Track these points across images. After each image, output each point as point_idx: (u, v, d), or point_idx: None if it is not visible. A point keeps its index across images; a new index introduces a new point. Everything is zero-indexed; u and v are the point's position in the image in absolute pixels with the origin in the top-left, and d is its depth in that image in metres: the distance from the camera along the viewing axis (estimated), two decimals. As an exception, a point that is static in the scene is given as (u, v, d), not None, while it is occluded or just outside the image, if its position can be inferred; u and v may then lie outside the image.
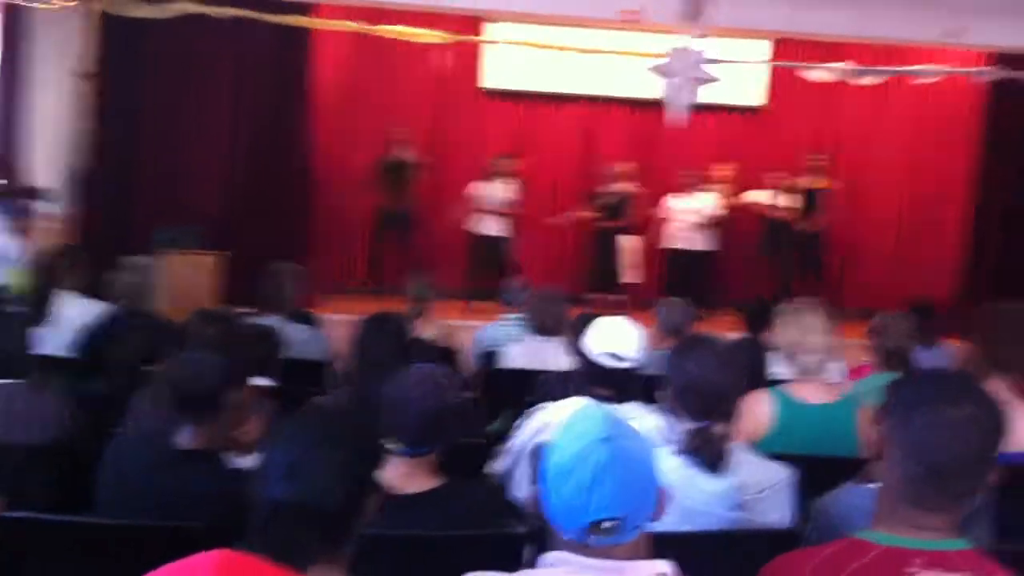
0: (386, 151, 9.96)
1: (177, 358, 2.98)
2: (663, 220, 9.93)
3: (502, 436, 3.54)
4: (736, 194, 10.34)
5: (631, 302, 9.95)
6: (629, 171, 10.16)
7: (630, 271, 10.09)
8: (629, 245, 10.06)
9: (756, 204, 10.21)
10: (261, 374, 3.82)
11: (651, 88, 7.49)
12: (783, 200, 10.17)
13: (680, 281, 9.58)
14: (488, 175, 9.87)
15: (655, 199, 10.32)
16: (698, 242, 9.89)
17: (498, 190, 9.79)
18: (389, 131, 10.04)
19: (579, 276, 10.69)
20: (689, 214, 9.84)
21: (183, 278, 7.79)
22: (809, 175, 10.19)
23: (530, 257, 10.69)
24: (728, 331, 6.40)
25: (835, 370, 4.25)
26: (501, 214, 9.82)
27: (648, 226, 10.19)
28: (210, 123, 9.22)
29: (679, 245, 9.86)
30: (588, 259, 10.28)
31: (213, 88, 9.19)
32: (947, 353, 5.50)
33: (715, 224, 10.03)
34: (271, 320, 4.87)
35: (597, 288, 9.95)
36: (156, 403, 3.34)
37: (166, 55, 9.02)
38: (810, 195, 10.19)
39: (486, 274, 9.57)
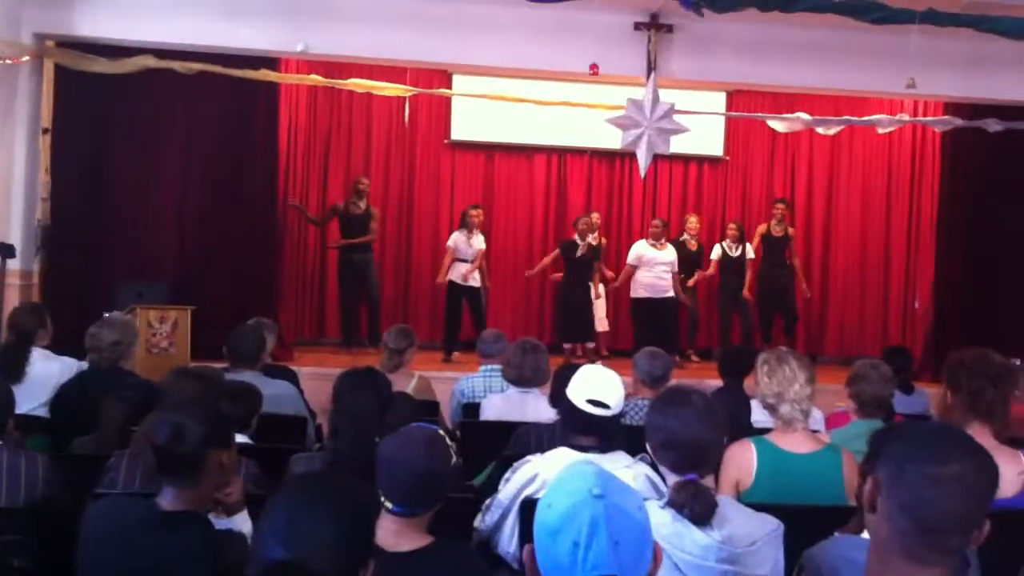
0: (346, 200, 10.00)
1: (158, 418, 2.94)
2: (635, 269, 10.00)
3: (486, 490, 3.53)
4: (703, 242, 10.47)
5: (601, 351, 10.04)
6: (599, 221, 10.26)
7: (601, 320, 10.17)
8: (602, 295, 10.14)
9: (724, 255, 10.34)
10: (241, 432, 3.79)
11: (616, 139, 7.59)
12: (747, 249, 10.32)
13: (651, 329, 9.65)
14: (462, 226, 9.94)
15: (625, 248, 10.46)
16: (670, 290, 9.97)
17: (474, 241, 9.87)
18: (353, 180, 10.10)
19: (553, 325, 10.79)
20: (661, 263, 9.93)
21: (153, 334, 7.74)
22: (776, 223, 10.35)
23: (504, 307, 10.77)
24: (703, 378, 6.45)
25: (815, 418, 4.29)
26: (477, 265, 9.89)
27: (620, 275, 10.28)
28: (172, 176, 9.18)
29: (651, 294, 9.91)
30: (561, 309, 10.32)
31: (175, 141, 9.15)
32: (925, 398, 5.58)
33: (685, 272, 10.14)
34: (246, 376, 4.82)
35: (570, 337, 9.99)
36: (138, 464, 3.29)
37: (126, 109, 9.00)
38: (778, 242, 10.34)
39: (461, 324, 9.67)
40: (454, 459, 2.81)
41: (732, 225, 10.52)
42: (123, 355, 4.87)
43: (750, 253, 10.36)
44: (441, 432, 2.83)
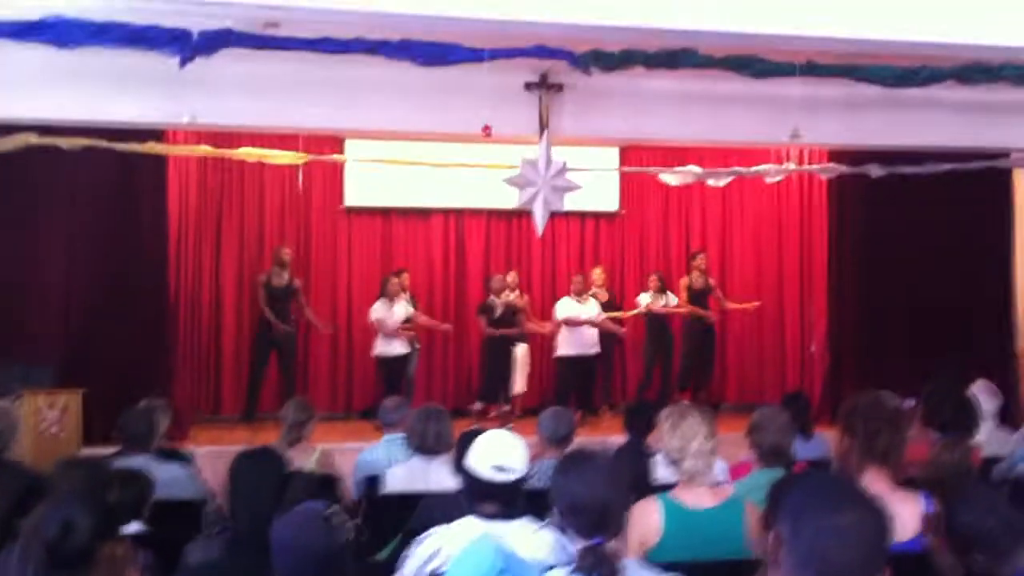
0: (269, 273, 9.86)
1: (44, 511, 2.80)
2: (559, 326, 10.04)
3: (391, 565, 3.44)
4: (612, 297, 10.59)
5: (515, 412, 10.04)
6: (516, 280, 10.29)
7: (520, 382, 10.18)
8: (521, 354, 10.16)
9: (648, 307, 10.47)
10: (133, 520, 3.64)
11: (513, 198, 7.63)
12: (670, 298, 10.48)
13: (572, 387, 9.76)
14: (381, 295, 9.95)
15: (533, 306, 10.54)
16: (596, 346, 10.01)
17: (396, 309, 9.87)
18: (274, 252, 10.00)
19: (470, 387, 10.79)
20: (582, 320, 9.99)
21: (42, 419, 7.43)
22: (698, 275, 10.58)
23: (420, 370, 10.71)
24: (615, 434, 6.44)
25: (717, 469, 4.30)
26: (403, 332, 9.92)
27: (539, 334, 10.31)
28: (56, 254, 8.85)
29: (578, 351, 9.96)
30: (481, 370, 10.31)
31: (58, 218, 8.85)
32: (825, 443, 5.65)
33: (604, 327, 10.21)
34: (138, 460, 4.65)
35: (489, 399, 9.99)
36: (24, 561, 3.12)
37: (6, 186, 8.73)
38: (700, 294, 10.57)
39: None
40: (350, 535, 2.73)
41: (653, 276, 10.70)
42: (6, 445, 4.65)
43: (673, 300, 10.52)
44: (333, 508, 2.76)
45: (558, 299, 10.59)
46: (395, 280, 10.00)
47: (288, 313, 9.93)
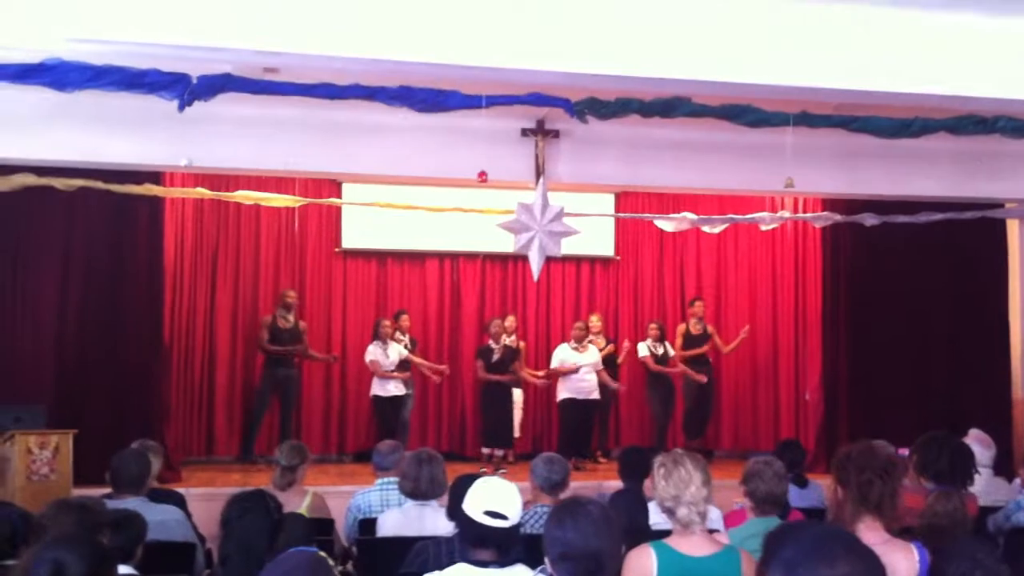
0: (273, 315, 9.89)
1: (36, 555, 2.78)
2: (551, 375, 10.08)
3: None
4: (611, 349, 10.61)
5: (509, 457, 10.02)
6: (514, 324, 10.30)
7: (516, 424, 10.18)
8: (517, 399, 10.17)
9: (645, 362, 10.52)
10: (125, 563, 3.61)
11: (508, 243, 7.66)
12: (668, 348, 10.55)
13: (573, 431, 9.77)
14: (375, 338, 9.99)
15: (527, 351, 10.55)
16: (595, 392, 10.03)
17: (390, 351, 9.90)
18: (280, 296, 10.05)
19: (464, 431, 10.83)
20: (584, 365, 10.01)
21: (33, 460, 7.38)
22: (696, 321, 10.66)
23: (414, 413, 10.69)
24: (610, 480, 6.41)
25: (713, 517, 4.28)
26: (396, 374, 9.95)
27: (534, 381, 10.34)
28: (49, 294, 8.87)
29: (576, 395, 9.96)
30: (481, 415, 10.31)
31: (52, 258, 8.88)
32: (819, 491, 5.64)
33: (601, 380, 10.21)
34: (130, 502, 4.62)
35: (492, 443, 9.98)
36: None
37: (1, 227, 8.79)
38: (697, 340, 10.61)
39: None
40: None
41: (653, 325, 10.73)
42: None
43: (671, 351, 10.56)
44: (322, 554, 2.75)
45: (552, 344, 10.62)
46: (386, 323, 10.03)
47: (292, 355, 9.93)
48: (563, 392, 10.04)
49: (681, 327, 10.78)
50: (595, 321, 10.54)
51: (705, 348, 10.66)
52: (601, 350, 10.27)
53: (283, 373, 9.87)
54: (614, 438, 11.11)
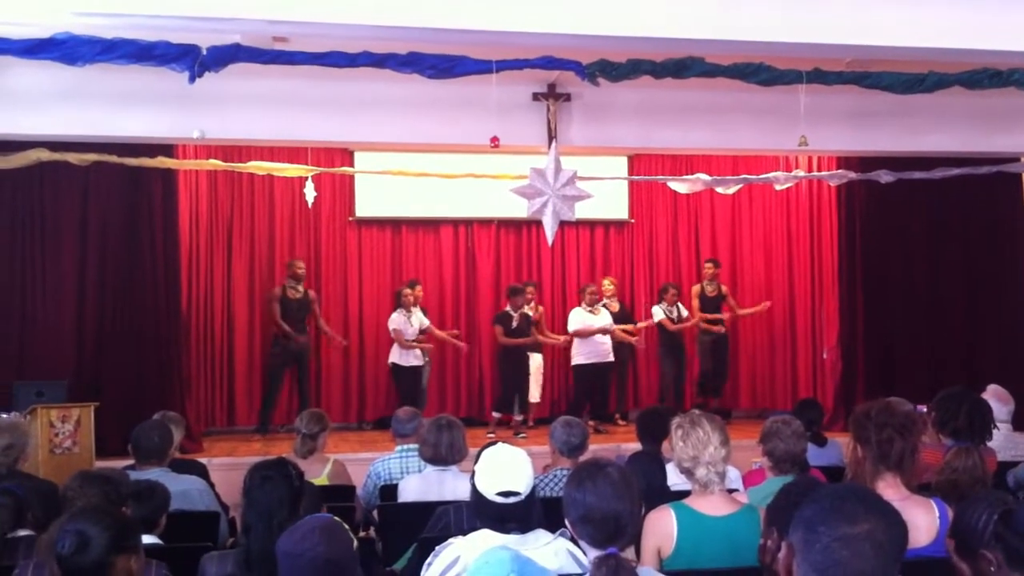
0: (283, 286, 9.91)
1: (60, 526, 2.82)
2: (575, 335, 10.07)
3: (407, 574, 3.44)
4: (624, 309, 10.62)
5: (529, 422, 10.07)
6: (530, 292, 10.29)
7: (535, 391, 10.20)
8: (536, 365, 10.19)
9: (661, 322, 10.52)
10: (149, 533, 3.65)
11: (522, 208, 7.64)
12: (679, 313, 10.56)
13: (587, 395, 9.80)
14: (397, 306, 10.03)
15: (547, 315, 10.58)
16: (610, 355, 10.04)
17: (413, 319, 9.93)
18: (288, 266, 10.04)
19: (482, 397, 10.87)
20: (594, 330, 10.01)
21: (55, 434, 7.46)
22: (708, 283, 10.65)
23: (432, 380, 10.74)
24: (628, 442, 6.41)
25: (731, 477, 4.30)
26: (418, 343, 9.97)
27: (556, 343, 10.35)
28: (68, 269, 8.93)
29: (592, 359, 9.98)
30: (497, 380, 10.34)
31: (69, 233, 8.93)
32: (838, 450, 5.64)
33: (617, 337, 10.24)
34: (152, 473, 4.67)
35: (506, 409, 10.01)
36: (43, 574, 3.14)
37: (18, 203, 8.83)
38: (713, 301, 10.61)
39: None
40: (355, 544, 2.75)
41: (669, 287, 10.67)
42: (18, 458, 4.68)
43: (684, 312, 10.58)
44: (337, 519, 2.77)
45: (568, 308, 10.61)
46: (408, 291, 10.02)
47: (304, 325, 9.97)
48: (578, 356, 10.05)
49: (696, 288, 10.77)
50: (607, 285, 10.53)
51: (722, 312, 10.66)
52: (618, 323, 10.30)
53: (297, 345, 9.87)
54: (632, 400, 11.15)
